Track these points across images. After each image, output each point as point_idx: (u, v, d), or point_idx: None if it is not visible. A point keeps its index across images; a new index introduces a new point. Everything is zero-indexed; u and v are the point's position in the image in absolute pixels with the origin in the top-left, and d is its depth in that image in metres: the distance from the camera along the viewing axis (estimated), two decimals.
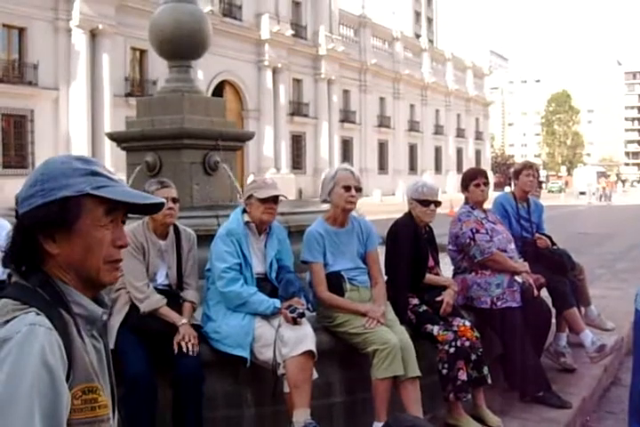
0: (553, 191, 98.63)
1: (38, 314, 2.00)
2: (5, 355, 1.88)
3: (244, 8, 57.28)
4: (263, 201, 5.84)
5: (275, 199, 5.93)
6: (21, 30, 40.81)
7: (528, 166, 8.55)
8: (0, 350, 1.90)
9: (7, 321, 1.98)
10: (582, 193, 77.37)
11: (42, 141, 41.25)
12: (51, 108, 42.09)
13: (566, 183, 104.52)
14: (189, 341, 5.38)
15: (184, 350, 5.34)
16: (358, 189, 6.19)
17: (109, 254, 2.19)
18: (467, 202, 7.58)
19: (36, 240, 2.14)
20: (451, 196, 55.66)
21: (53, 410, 1.87)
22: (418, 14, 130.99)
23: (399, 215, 7.07)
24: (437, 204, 6.83)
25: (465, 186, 7.56)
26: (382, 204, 51.58)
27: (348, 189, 6.10)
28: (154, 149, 9.45)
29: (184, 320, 5.56)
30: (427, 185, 6.93)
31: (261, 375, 5.61)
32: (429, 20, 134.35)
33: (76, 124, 42.28)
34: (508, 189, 72.83)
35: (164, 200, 2.35)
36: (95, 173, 2.18)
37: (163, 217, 5.75)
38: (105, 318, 2.26)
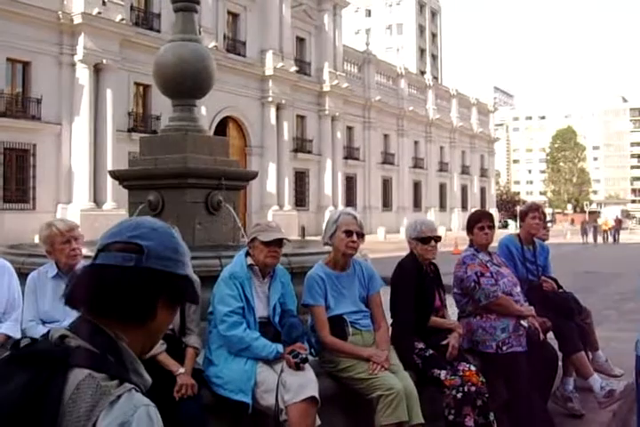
0: None
1: (137, 391, 1.95)
2: None
3: (247, 44, 57.60)
4: (267, 244, 5.81)
5: (279, 242, 5.89)
6: (25, 64, 41.01)
7: (534, 209, 8.47)
8: None
9: (112, 402, 1.88)
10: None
11: (43, 176, 41.37)
12: (53, 142, 42.16)
13: (572, 221, 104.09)
14: (186, 392, 5.27)
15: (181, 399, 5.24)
16: (360, 235, 6.16)
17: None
18: (471, 244, 7.52)
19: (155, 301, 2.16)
20: (455, 234, 55.64)
21: None
22: (422, 51, 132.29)
23: (403, 253, 7.03)
24: (437, 239, 6.84)
25: (469, 228, 7.51)
26: (386, 241, 51.52)
27: (349, 233, 6.08)
28: (157, 187, 9.42)
29: (181, 370, 5.44)
30: (424, 222, 6.99)
31: (263, 422, 5.50)
32: (434, 57, 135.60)
33: (78, 158, 42.33)
34: (511, 222, 71.97)
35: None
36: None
37: None
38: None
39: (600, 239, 66.88)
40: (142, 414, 1.88)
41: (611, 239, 67.23)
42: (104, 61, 42.98)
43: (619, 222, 71.54)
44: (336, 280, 6.22)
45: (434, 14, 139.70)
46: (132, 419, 1.85)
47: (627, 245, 59.94)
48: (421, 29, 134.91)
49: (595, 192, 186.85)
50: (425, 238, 6.72)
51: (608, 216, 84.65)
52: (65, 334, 2.05)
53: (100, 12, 42.20)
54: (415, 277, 6.68)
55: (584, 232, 67.29)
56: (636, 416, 4.39)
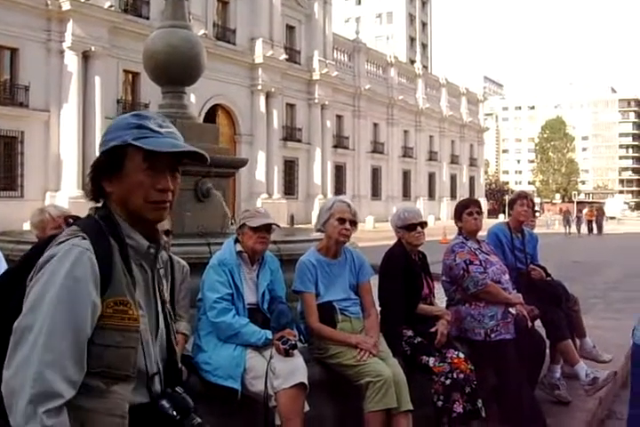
0: None
1: (84, 238, 2.58)
2: (47, 267, 2.49)
3: (237, 32, 57.44)
4: (256, 230, 5.81)
5: (267, 228, 5.90)
6: (13, 51, 40.69)
7: (522, 196, 8.50)
8: (47, 263, 2.50)
9: (60, 242, 2.57)
10: (612, 218, 78.25)
11: (32, 163, 41.12)
12: (41, 129, 41.88)
13: (560, 211, 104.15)
14: None
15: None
16: (354, 223, 6.18)
17: (149, 195, 2.69)
18: (460, 232, 7.53)
19: (99, 181, 2.76)
20: (444, 223, 55.60)
21: (73, 311, 2.45)
22: (412, 40, 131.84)
23: (392, 242, 7.04)
24: (423, 225, 6.85)
25: (458, 215, 7.53)
26: (375, 230, 51.33)
27: (342, 221, 6.08)
28: None
29: None
30: (407, 210, 7.02)
31: (252, 407, 5.49)
32: (424, 46, 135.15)
33: (67, 146, 42.13)
34: (502, 216, 71.41)
35: (195, 149, 2.75)
36: (141, 127, 2.68)
37: None
38: (152, 251, 2.81)
39: (585, 229, 66.03)
40: (65, 249, 2.53)
41: (595, 230, 66.53)
42: (92, 48, 42.71)
43: (602, 213, 70.86)
44: (327, 267, 6.22)
45: (424, 3, 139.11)
46: (59, 253, 2.51)
47: (610, 235, 59.75)
48: (411, 18, 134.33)
49: (583, 182, 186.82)
50: (410, 225, 6.75)
51: (613, 207, 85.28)
52: (91, 207, 2.83)
53: None
54: (403, 265, 6.68)
55: (567, 222, 66.39)
56: (628, 405, 4.39)
